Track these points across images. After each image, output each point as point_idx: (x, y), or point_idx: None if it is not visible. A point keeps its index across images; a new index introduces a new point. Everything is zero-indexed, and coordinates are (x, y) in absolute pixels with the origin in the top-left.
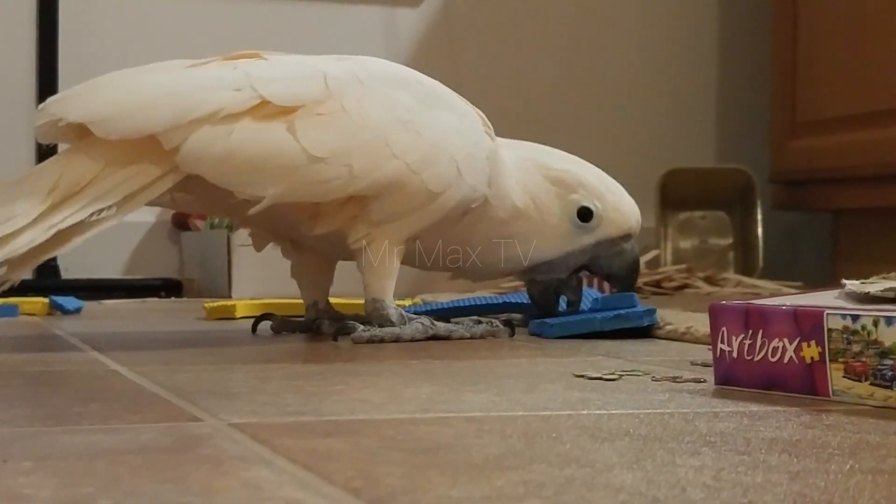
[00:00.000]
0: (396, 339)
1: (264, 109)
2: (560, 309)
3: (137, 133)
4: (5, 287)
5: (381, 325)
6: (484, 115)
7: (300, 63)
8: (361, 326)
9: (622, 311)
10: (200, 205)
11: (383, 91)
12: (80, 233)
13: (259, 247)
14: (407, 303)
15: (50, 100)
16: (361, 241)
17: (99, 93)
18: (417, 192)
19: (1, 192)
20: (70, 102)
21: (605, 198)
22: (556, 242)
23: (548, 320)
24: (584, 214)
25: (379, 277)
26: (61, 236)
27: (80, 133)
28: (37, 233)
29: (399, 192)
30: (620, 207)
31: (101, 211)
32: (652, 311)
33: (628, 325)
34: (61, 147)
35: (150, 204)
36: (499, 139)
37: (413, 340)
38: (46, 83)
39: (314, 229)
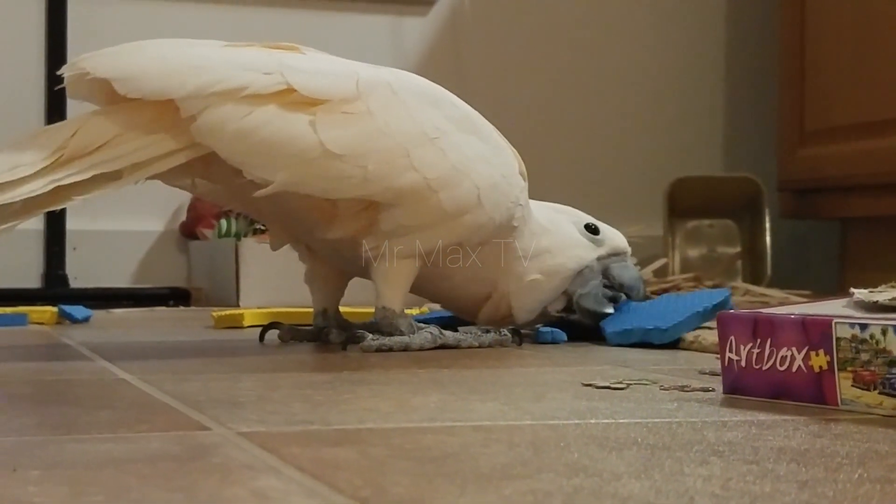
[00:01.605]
0: (405, 349)
1: (289, 97)
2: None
3: (157, 95)
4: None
5: (390, 334)
6: (520, 159)
7: (336, 62)
8: (370, 335)
9: (719, 300)
10: (219, 193)
11: (414, 104)
12: (79, 192)
13: (275, 246)
14: (415, 311)
15: (83, 55)
16: (377, 250)
17: (131, 54)
18: (431, 210)
19: (13, 144)
20: (100, 59)
21: (599, 225)
22: (577, 253)
23: (657, 326)
24: (593, 229)
25: (391, 287)
26: (60, 192)
27: (109, 98)
28: (36, 184)
29: (413, 205)
30: (612, 231)
31: (107, 175)
32: (730, 294)
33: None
34: None
35: (172, 184)
36: None
37: (422, 349)
38: (55, 92)
39: (329, 232)
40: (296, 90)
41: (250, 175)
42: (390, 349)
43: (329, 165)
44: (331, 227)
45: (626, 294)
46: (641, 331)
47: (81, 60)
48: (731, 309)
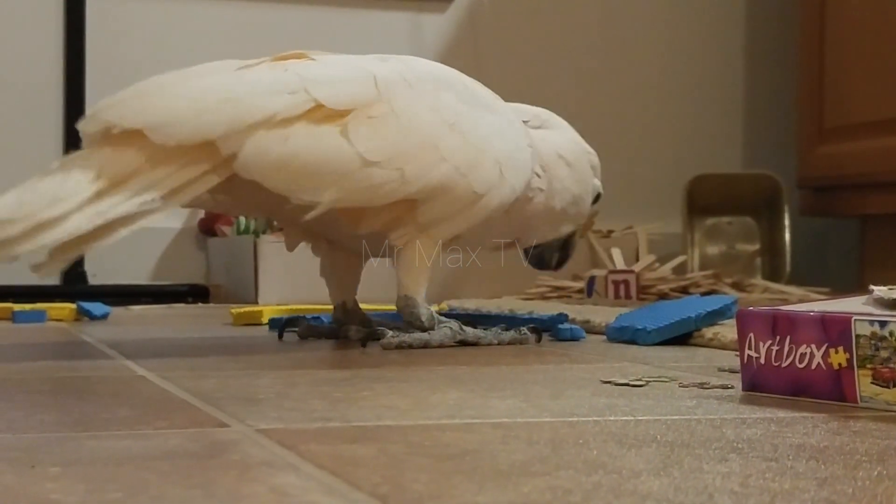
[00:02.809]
0: (425, 346)
1: (318, 113)
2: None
3: (195, 139)
4: (43, 274)
5: (410, 324)
6: (517, 106)
7: (349, 64)
8: (390, 332)
9: (716, 308)
10: (240, 207)
11: (430, 93)
12: (125, 224)
13: (291, 247)
14: (434, 308)
15: (101, 105)
16: (403, 240)
17: (152, 98)
18: (464, 195)
19: (43, 177)
20: (123, 108)
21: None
22: (578, 221)
23: (645, 327)
24: (596, 199)
25: (414, 276)
26: (107, 226)
27: (129, 139)
28: (84, 218)
29: (447, 194)
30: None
31: (146, 203)
32: (736, 300)
33: (722, 319)
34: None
35: (189, 205)
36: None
37: (441, 346)
38: (73, 87)
39: (357, 229)
40: (323, 104)
41: (298, 200)
42: (410, 346)
43: (369, 175)
44: (359, 226)
45: (558, 260)
46: (632, 330)
47: (102, 112)
48: (731, 317)
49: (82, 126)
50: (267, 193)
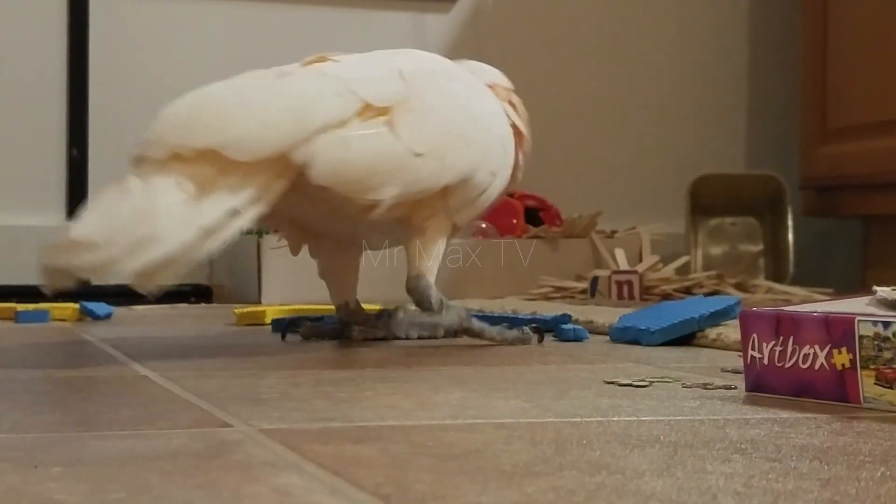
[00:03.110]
0: (435, 328)
1: (367, 112)
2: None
3: (267, 152)
4: (152, 292)
5: (419, 304)
6: (470, 63)
7: (373, 62)
8: (401, 312)
9: (719, 308)
10: (299, 213)
11: (444, 83)
12: (216, 235)
13: (295, 251)
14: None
15: (161, 129)
16: (422, 224)
17: (218, 117)
18: (484, 178)
19: (115, 196)
20: (191, 130)
21: None
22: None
23: (648, 327)
24: None
25: (427, 258)
26: (202, 238)
27: (200, 155)
28: (187, 230)
29: (472, 178)
30: None
31: (234, 212)
32: (739, 301)
33: (725, 320)
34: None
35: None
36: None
37: (449, 332)
38: (77, 85)
39: (372, 220)
40: (370, 103)
41: (362, 201)
42: (421, 327)
43: (418, 167)
44: (372, 215)
45: None
46: (635, 330)
47: (168, 136)
48: (734, 318)
49: (145, 152)
50: (328, 197)
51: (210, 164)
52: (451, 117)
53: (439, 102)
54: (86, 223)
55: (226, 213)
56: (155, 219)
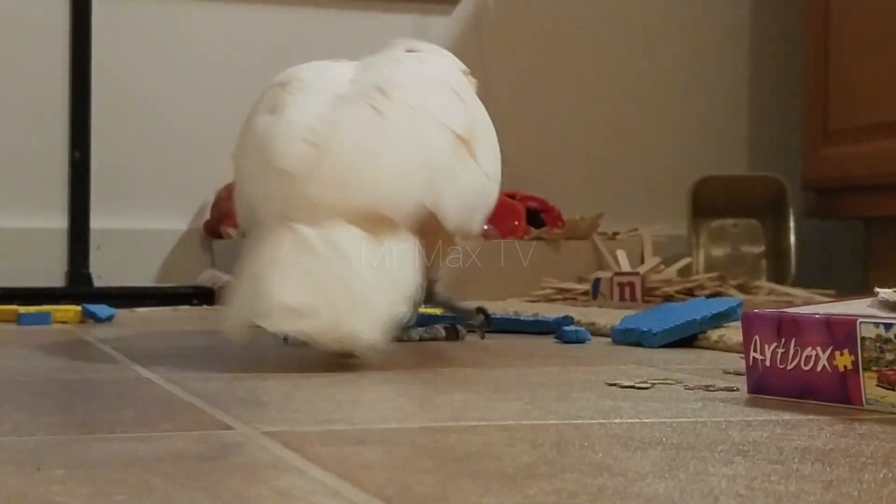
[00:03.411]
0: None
1: (459, 145)
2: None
3: (412, 206)
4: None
5: (449, 306)
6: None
7: (424, 81)
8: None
9: (721, 310)
10: None
11: (471, 97)
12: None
13: None
14: (438, 312)
15: (319, 190)
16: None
17: (367, 172)
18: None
19: (296, 249)
20: (344, 188)
21: None
22: None
23: (650, 329)
24: None
25: (440, 263)
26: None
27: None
28: (411, 279)
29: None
30: None
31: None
32: (741, 303)
33: (727, 321)
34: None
35: None
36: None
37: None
38: (79, 90)
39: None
40: (460, 136)
41: (465, 234)
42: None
43: (494, 190)
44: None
45: None
46: (637, 332)
47: (328, 197)
48: (736, 320)
49: (299, 215)
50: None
51: (366, 219)
52: (485, 129)
53: (482, 116)
54: (290, 287)
55: (414, 269)
56: (360, 284)
